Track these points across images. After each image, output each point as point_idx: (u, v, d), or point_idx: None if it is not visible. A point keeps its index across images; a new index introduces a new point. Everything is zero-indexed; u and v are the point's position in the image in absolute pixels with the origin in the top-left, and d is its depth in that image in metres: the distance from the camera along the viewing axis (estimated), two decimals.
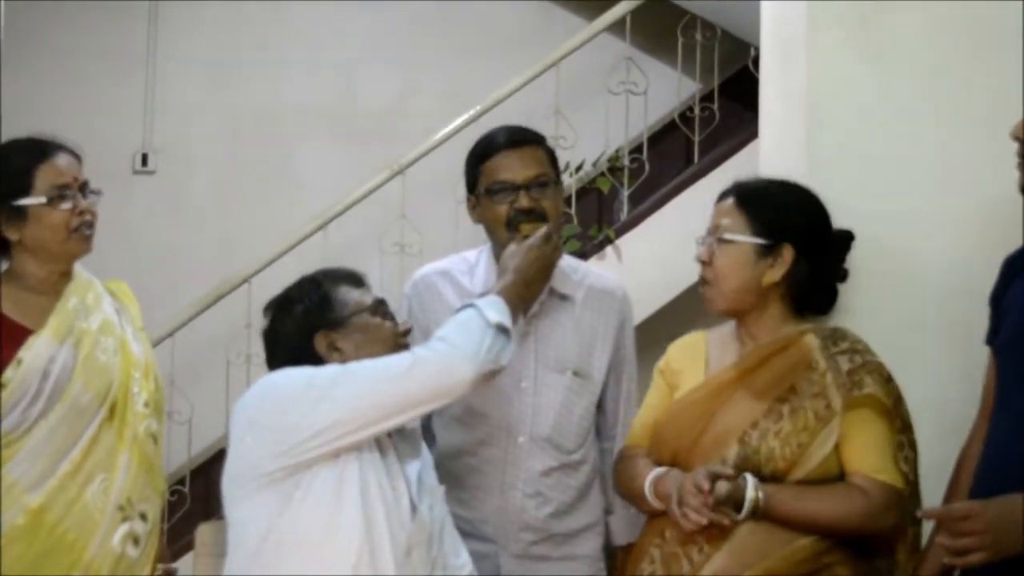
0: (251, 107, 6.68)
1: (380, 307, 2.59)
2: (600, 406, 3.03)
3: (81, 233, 2.71)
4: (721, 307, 2.61)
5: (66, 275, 2.75)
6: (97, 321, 2.72)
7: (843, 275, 2.68)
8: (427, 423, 2.96)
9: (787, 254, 2.57)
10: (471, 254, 3.09)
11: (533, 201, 2.88)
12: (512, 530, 2.89)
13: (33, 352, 2.61)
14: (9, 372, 2.60)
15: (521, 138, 2.96)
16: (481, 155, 2.97)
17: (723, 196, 2.64)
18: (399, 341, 2.57)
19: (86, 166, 2.81)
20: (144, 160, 6.65)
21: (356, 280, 2.62)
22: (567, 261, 3.05)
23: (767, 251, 2.56)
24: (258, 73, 6.72)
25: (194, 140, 6.68)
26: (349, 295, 2.58)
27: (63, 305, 2.69)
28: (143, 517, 2.67)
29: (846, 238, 2.67)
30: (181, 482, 5.79)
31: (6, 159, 2.72)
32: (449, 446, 2.95)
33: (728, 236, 2.56)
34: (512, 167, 2.91)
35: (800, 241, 2.58)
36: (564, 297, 2.97)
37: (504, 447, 2.92)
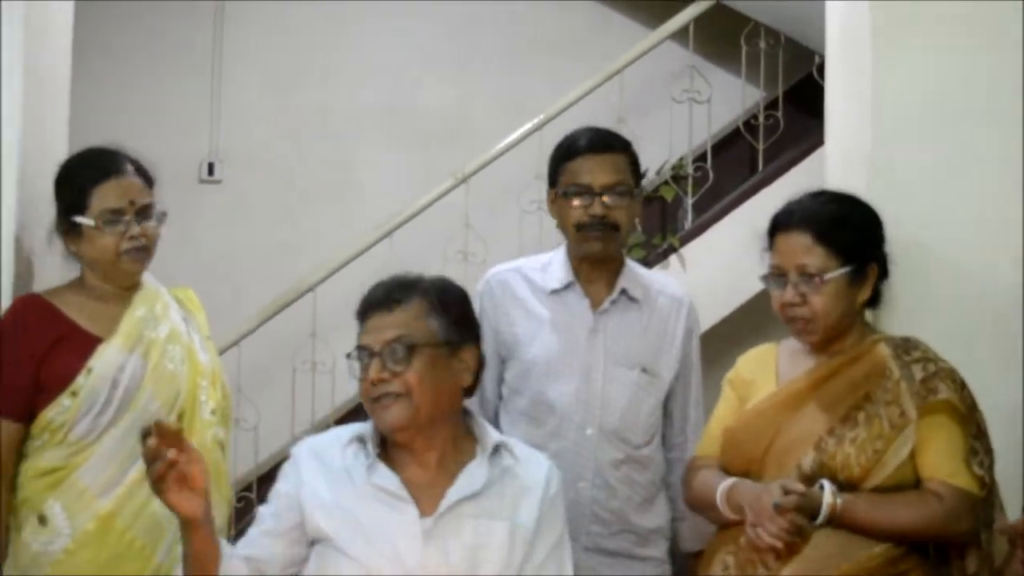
0: (314, 114, 6.72)
1: None
2: (666, 413, 3.06)
3: (131, 256, 2.71)
4: (820, 339, 2.59)
5: (134, 285, 2.78)
6: (165, 330, 2.75)
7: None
8: (494, 419, 3.01)
9: (872, 272, 2.60)
10: (544, 255, 3.15)
11: (607, 209, 2.93)
12: (582, 523, 2.91)
13: (103, 361, 2.64)
14: (80, 380, 2.63)
15: (603, 144, 3.00)
16: (564, 154, 3.02)
17: (786, 228, 2.59)
18: None
19: (156, 177, 2.82)
20: (211, 169, 6.72)
21: None
22: (638, 267, 3.12)
23: (856, 275, 2.57)
24: (321, 81, 6.76)
25: (258, 148, 6.72)
26: None
27: (132, 315, 2.72)
28: None
29: None
30: (248, 489, 5.82)
31: (71, 173, 2.74)
32: (519, 440, 2.97)
33: (826, 277, 2.53)
34: (591, 172, 2.96)
35: (878, 255, 2.61)
36: (633, 299, 3.02)
37: (574, 439, 2.97)
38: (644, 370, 3.01)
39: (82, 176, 2.72)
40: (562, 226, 3.04)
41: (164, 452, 2.20)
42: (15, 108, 2.88)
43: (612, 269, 3.05)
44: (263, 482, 5.94)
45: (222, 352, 5.21)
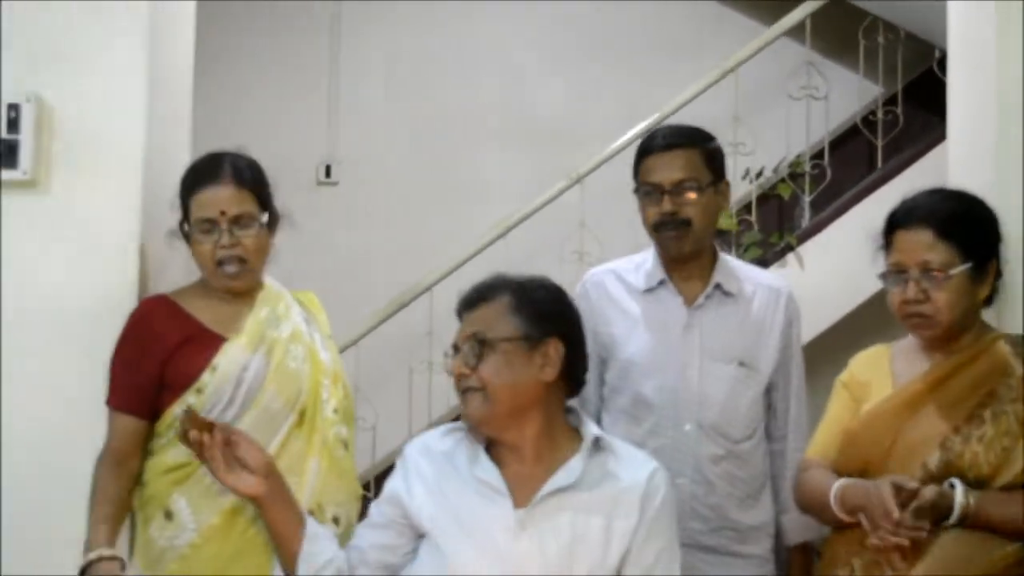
0: (430, 116, 6.77)
1: None
2: (769, 406, 3.04)
3: (226, 266, 2.72)
4: (941, 336, 2.57)
5: (256, 286, 2.82)
6: (288, 330, 2.78)
7: None
8: (596, 420, 3.00)
9: (991, 269, 2.57)
10: (638, 255, 3.15)
11: (677, 206, 2.92)
12: (681, 519, 2.88)
13: (228, 359, 2.68)
14: (205, 378, 2.67)
15: (674, 141, 2.99)
16: (640, 153, 3.05)
17: (907, 225, 2.57)
18: None
19: (275, 180, 2.84)
20: (328, 171, 6.80)
21: None
22: (733, 261, 3.11)
23: (977, 272, 2.54)
24: (437, 82, 6.80)
25: (375, 150, 6.79)
26: None
27: (256, 315, 2.75)
28: (335, 521, 2.71)
29: None
30: (366, 487, 5.88)
31: (182, 179, 2.78)
32: (618, 438, 2.98)
33: (950, 273, 2.50)
34: (659, 170, 2.96)
35: (996, 251, 2.57)
36: (728, 293, 3.00)
37: (672, 436, 2.96)
38: (741, 364, 2.99)
39: (185, 184, 2.76)
40: (644, 224, 3.04)
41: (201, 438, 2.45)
42: (140, 108, 2.94)
43: (705, 264, 3.03)
44: (381, 481, 5.98)
45: (341, 351, 5.27)
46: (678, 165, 2.96)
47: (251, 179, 2.77)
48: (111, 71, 2.94)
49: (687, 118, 5.28)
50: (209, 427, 2.46)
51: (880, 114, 6.01)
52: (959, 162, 3.13)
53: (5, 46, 2.92)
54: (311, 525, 2.54)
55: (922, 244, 2.52)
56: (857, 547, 2.50)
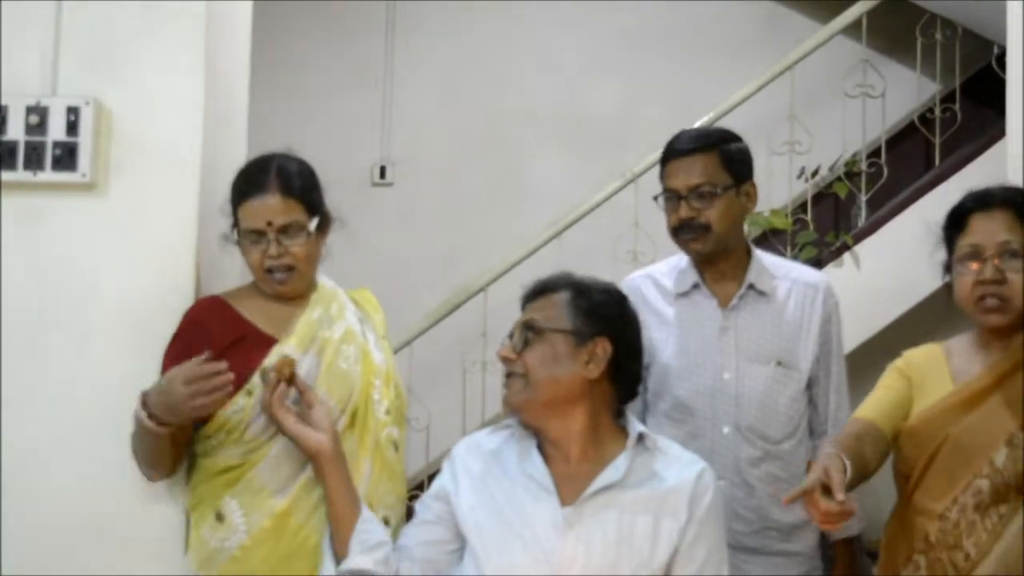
0: (484, 117, 6.78)
1: None
2: (811, 401, 3.02)
3: (274, 275, 2.72)
4: (1010, 324, 2.54)
5: (310, 287, 2.83)
6: (340, 330, 2.78)
7: None
8: (642, 422, 3.00)
9: None
10: (673, 258, 3.17)
11: (694, 211, 2.93)
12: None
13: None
14: (256, 379, 2.68)
15: (690, 145, 3.00)
16: (662, 158, 3.07)
17: (987, 208, 2.56)
18: None
19: (329, 180, 2.84)
20: (382, 172, 6.82)
21: None
22: (768, 258, 3.09)
23: None
24: (490, 83, 6.81)
25: (429, 151, 6.81)
26: None
27: (308, 316, 2.76)
28: (385, 522, 2.71)
29: None
30: (419, 487, 5.89)
31: (233, 185, 2.78)
32: None
33: None
34: (678, 175, 2.98)
35: None
36: (762, 293, 2.99)
37: (710, 438, 2.97)
38: (779, 363, 2.99)
39: (233, 192, 2.77)
40: (667, 229, 3.06)
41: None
42: (197, 110, 2.96)
43: (737, 264, 3.03)
44: (434, 481, 6.01)
45: (394, 352, 5.30)
46: (696, 170, 2.97)
47: (299, 186, 2.75)
48: (168, 73, 2.96)
49: (742, 117, 5.29)
50: (291, 378, 2.60)
51: (938, 111, 5.95)
52: (1018, 158, 3.10)
53: (64, 49, 2.95)
54: (366, 509, 2.59)
55: (1003, 226, 2.52)
56: (923, 543, 2.49)
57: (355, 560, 2.51)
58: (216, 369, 2.54)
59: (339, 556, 2.55)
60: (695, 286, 3.04)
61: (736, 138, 3.05)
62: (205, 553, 2.68)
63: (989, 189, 2.60)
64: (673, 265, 3.13)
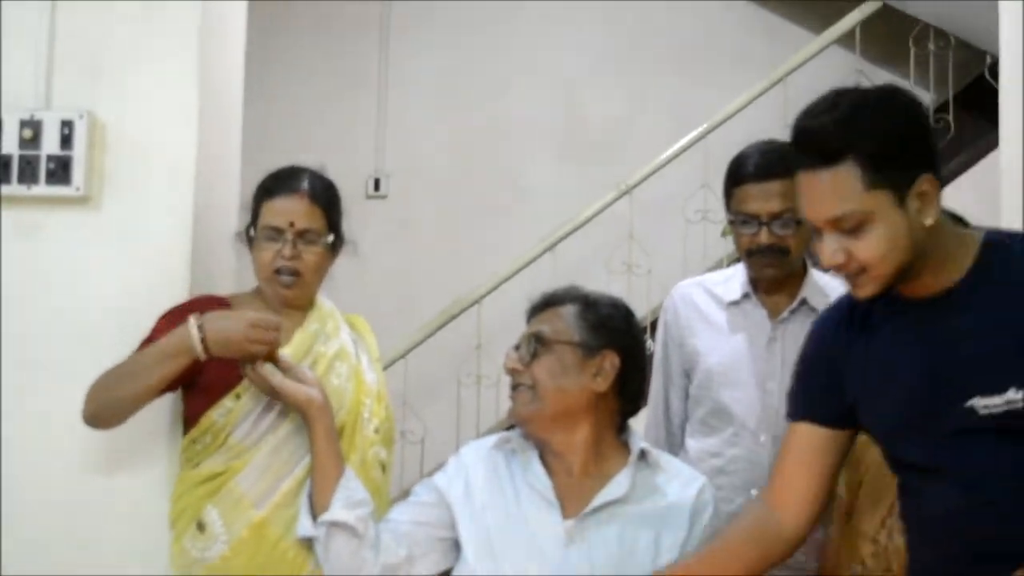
0: (478, 128, 6.78)
1: None
2: None
3: (281, 277, 2.72)
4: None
5: (309, 304, 2.82)
6: (335, 347, 2.78)
7: None
8: (679, 432, 3.07)
9: None
10: (729, 269, 3.16)
11: (776, 238, 2.90)
12: None
13: (269, 367, 2.67)
14: (245, 383, 2.68)
15: (768, 171, 2.92)
16: (732, 179, 2.99)
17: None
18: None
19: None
20: (377, 185, 6.83)
21: None
22: (823, 277, 3.06)
23: None
24: (485, 94, 6.82)
25: (424, 163, 6.81)
26: None
27: (305, 329, 2.76)
28: None
29: None
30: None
31: (260, 184, 2.80)
32: (697, 449, 3.02)
33: None
34: (755, 200, 2.91)
35: None
36: (814, 309, 2.97)
37: (748, 447, 2.96)
38: None
39: (260, 189, 2.78)
40: (736, 248, 3.02)
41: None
42: (191, 122, 2.96)
43: (794, 280, 3.01)
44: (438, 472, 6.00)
45: (388, 365, 5.29)
46: (775, 195, 2.89)
47: (326, 198, 2.78)
48: (162, 86, 2.96)
49: (737, 128, 5.30)
50: (271, 356, 2.60)
51: (931, 121, 5.96)
52: (1011, 169, 3.10)
53: (57, 63, 2.95)
54: (349, 469, 2.60)
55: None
56: (860, 568, 2.45)
57: (338, 513, 2.51)
58: (276, 323, 2.58)
59: (318, 514, 2.55)
60: (746, 296, 3.03)
61: None
62: (185, 562, 2.67)
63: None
64: (727, 275, 3.11)
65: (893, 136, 1.98)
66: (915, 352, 2.06)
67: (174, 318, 2.68)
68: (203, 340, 2.56)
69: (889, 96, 2.06)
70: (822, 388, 2.25)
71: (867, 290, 2.04)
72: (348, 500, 2.53)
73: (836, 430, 2.25)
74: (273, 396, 2.62)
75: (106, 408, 2.68)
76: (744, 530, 2.31)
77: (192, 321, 2.57)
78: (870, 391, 2.16)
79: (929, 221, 1.98)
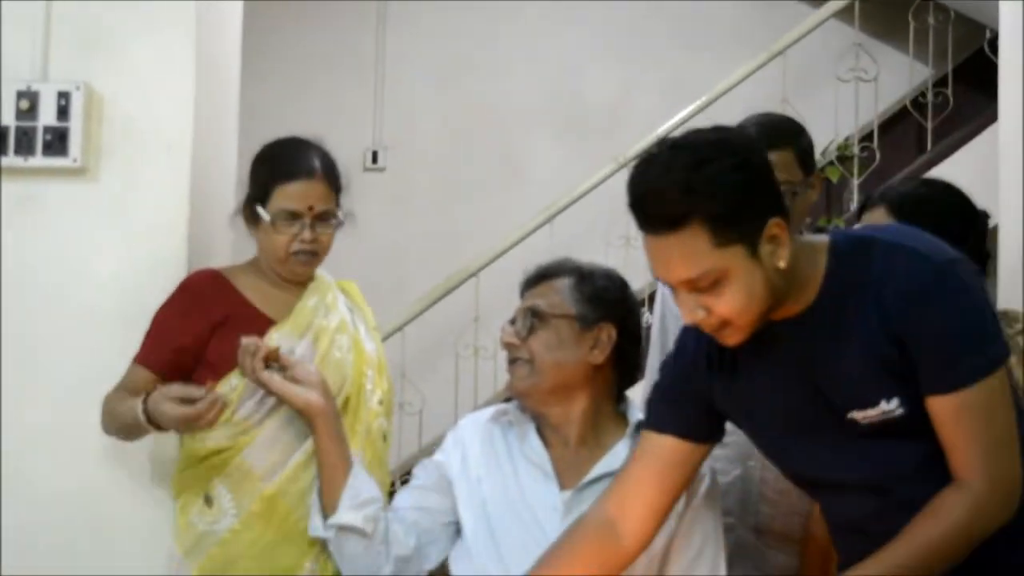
0: (476, 104, 6.77)
1: None
2: None
3: (299, 259, 2.72)
4: None
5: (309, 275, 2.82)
6: (335, 320, 2.77)
7: None
8: None
9: None
10: None
11: None
12: (751, 503, 2.90)
13: (273, 342, 2.68)
14: None
15: (771, 142, 2.88)
16: None
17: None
18: None
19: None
20: (375, 157, 6.82)
21: None
22: None
23: None
24: (482, 70, 6.80)
25: (421, 137, 6.80)
26: None
27: (304, 303, 2.75)
28: None
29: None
30: (412, 472, 5.91)
31: (264, 161, 2.75)
32: None
33: None
34: None
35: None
36: None
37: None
38: None
39: (271, 169, 2.74)
40: None
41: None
42: (188, 95, 2.95)
43: None
44: (437, 451, 6.01)
45: (387, 338, 5.30)
46: (775, 166, 2.90)
47: (336, 176, 2.78)
48: (159, 58, 2.95)
49: (735, 101, 5.29)
50: (271, 358, 2.59)
51: (930, 96, 5.96)
52: (1010, 143, 3.10)
53: (54, 34, 2.94)
54: (357, 463, 2.59)
55: None
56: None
57: (345, 516, 2.51)
58: (213, 400, 2.56)
59: (328, 513, 2.54)
60: None
61: (803, 130, 3.01)
62: (192, 538, 2.67)
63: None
64: None
65: (734, 192, 1.90)
66: (790, 372, 2.04)
67: (169, 315, 2.70)
68: (150, 421, 2.58)
69: (722, 148, 1.95)
70: (692, 406, 2.20)
71: (734, 339, 2.00)
72: (355, 500, 2.52)
73: (705, 444, 2.23)
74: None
75: (117, 436, 2.73)
76: (586, 539, 2.25)
77: (139, 405, 2.58)
78: (749, 416, 2.16)
79: (783, 264, 1.92)
